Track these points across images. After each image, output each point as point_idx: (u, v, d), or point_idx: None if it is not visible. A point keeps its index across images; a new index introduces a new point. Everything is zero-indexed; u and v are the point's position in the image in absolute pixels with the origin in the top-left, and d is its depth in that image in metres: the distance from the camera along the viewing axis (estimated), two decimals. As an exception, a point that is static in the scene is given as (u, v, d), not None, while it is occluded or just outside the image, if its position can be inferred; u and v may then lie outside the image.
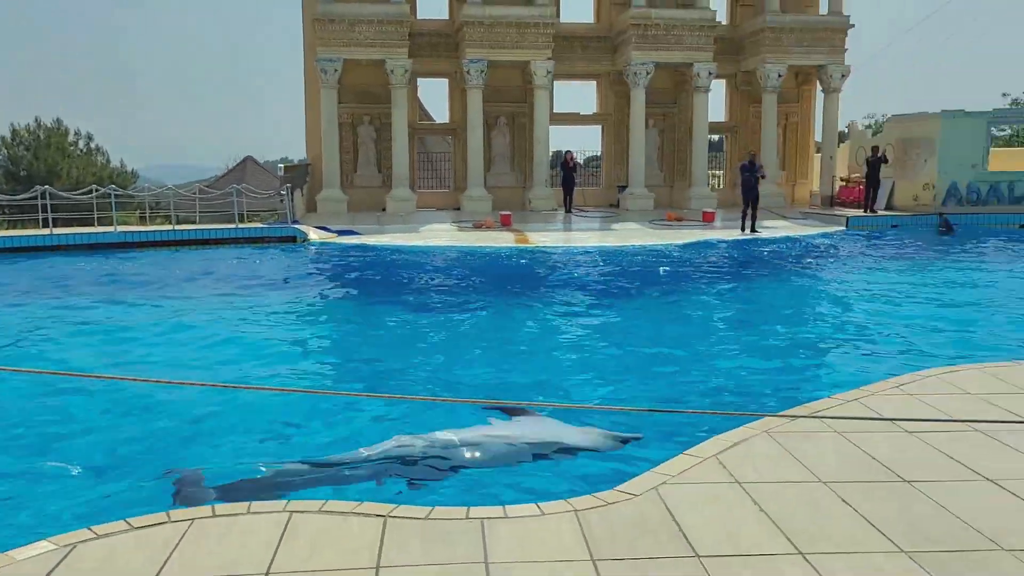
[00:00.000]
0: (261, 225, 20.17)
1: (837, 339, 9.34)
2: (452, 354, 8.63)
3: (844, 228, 21.31)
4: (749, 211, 19.94)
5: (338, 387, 7.33)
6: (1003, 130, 37.27)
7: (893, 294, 12.24)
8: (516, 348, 8.83)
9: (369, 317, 10.80)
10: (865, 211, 22.70)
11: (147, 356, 8.36)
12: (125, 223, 22.78)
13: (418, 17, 25.07)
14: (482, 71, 23.67)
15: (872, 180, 22.74)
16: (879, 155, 22.71)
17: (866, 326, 9.88)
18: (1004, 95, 43.13)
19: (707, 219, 22.08)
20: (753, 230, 19.78)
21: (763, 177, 20.23)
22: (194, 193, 20.09)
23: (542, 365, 8.13)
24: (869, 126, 39.82)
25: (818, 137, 27.96)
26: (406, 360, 8.24)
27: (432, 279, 14.09)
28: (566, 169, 25.04)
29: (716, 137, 29.11)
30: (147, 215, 22.48)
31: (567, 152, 25.71)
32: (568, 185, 24.87)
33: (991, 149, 23.77)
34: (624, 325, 10.25)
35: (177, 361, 8.08)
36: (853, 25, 25.43)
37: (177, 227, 19.07)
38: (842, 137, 28.73)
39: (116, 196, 18.67)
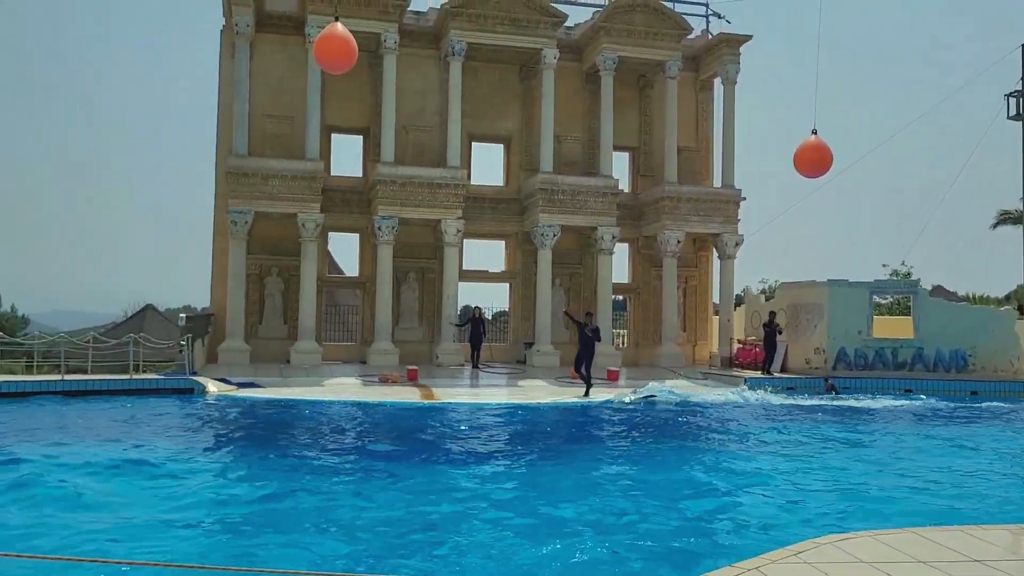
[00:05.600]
0: (156, 376, 19.46)
1: (737, 502, 9.41)
2: (348, 523, 8.28)
3: (744, 388, 21.92)
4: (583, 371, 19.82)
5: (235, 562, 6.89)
6: (885, 299, 39.58)
7: (790, 454, 12.50)
8: (427, 517, 8.54)
9: (257, 483, 10.27)
10: (762, 373, 23.51)
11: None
12: (11, 372, 21.68)
13: (331, 174, 25.70)
14: (393, 227, 24.12)
15: (769, 343, 23.73)
16: (775, 323, 23.83)
17: (760, 488, 10.01)
18: (884, 266, 46.14)
19: (611, 377, 22.39)
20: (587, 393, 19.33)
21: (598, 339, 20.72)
22: (87, 341, 19.34)
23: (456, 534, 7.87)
24: (764, 291, 41.82)
25: (716, 300, 29.15)
26: (298, 534, 7.87)
27: (333, 436, 13.71)
28: (474, 324, 25.31)
29: (619, 297, 30.01)
30: (35, 363, 21.39)
31: (475, 308, 26.10)
32: (476, 340, 25.05)
33: (875, 316, 25.20)
34: (530, 491, 10.07)
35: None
36: (745, 198, 27.17)
37: (66, 377, 18.21)
38: (738, 301, 30.05)
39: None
